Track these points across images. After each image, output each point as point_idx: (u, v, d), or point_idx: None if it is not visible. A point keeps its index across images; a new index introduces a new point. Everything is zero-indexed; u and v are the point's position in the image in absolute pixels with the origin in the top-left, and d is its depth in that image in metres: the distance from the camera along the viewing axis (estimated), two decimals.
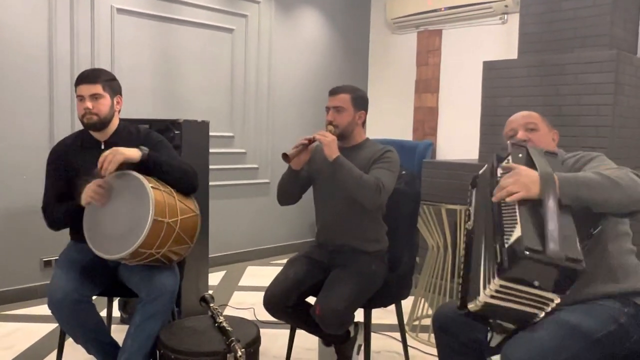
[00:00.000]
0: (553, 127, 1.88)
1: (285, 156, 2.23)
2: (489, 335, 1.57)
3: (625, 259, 1.61)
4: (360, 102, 2.43)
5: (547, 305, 1.41)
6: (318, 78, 5.09)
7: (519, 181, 1.42)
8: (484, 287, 1.44)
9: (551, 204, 1.36)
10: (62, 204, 2.21)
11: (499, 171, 1.57)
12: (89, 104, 2.15)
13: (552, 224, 1.32)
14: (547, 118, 1.89)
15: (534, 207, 1.40)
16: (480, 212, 1.67)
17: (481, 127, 3.90)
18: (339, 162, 2.20)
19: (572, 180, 1.41)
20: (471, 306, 1.50)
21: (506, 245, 1.36)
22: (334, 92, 2.41)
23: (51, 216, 2.23)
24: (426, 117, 5.11)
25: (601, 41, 3.47)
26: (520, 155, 1.58)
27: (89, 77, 2.19)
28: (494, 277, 1.39)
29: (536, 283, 1.35)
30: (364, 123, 2.48)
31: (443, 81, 4.99)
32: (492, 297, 1.43)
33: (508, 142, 1.69)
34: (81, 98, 2.17)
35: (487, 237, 1.51)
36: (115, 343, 2.23)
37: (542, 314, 1.44)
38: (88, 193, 2.05)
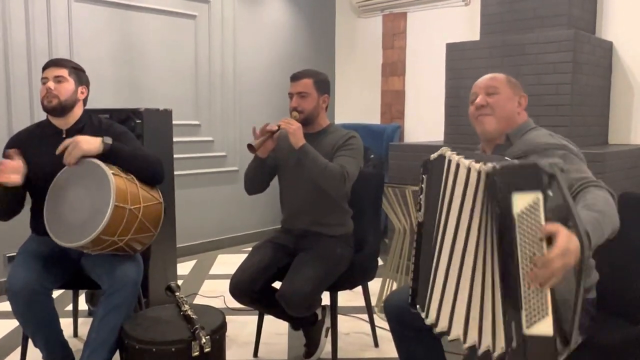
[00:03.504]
0: (522, 91, 1.77)
1: (250, 147, 2.22)
2: None
3: None
4: (323, 85, 2.41)
5: None
6: (284, 63, 5.06)
7: (568, 265, 1.17)
8: (465, 338, 1.34)
9: (582, 290, 1.23)
10: None
11: (520, 204, 1.22)
12: (51, 85, 2.16)
13: (576, 318, 1.23)
14: (516, 81, 1.78)
15: (564, 285, 1.22)
16: (433, 205, 1.50)
17: (446, 108, 3.94)
18: (304, 151, 2.20)
19: (596, 235, 1.27)
20: (427, 320, 1.46)
21: (525, 333, 1.20)
22: (295, 78, 2.39)
23: None
24: (393, 101, 5.13)
25: (560, 21, 3.53)
26: (560, 202, 1.23)
27: (56, 61, 2.23)
28: (494, 348, 1.28)
29: None
30: (327, 107, 2.47)
31: (409, 64, 5.01)
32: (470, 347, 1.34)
33: (533, 162, 1.29)
34: (45, 80, 2.18)
35: (490, 260, 1.30)
36: (65, 343, 2.21)
37: None
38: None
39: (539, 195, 1.22)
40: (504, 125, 1.72)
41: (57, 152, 2.05)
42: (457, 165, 1.40)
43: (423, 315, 1.50)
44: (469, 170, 1.35)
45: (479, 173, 1.31)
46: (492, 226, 1.28)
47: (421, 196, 1.60)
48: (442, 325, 1.41)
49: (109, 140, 2.11)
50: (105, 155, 2.09)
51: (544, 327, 1.20)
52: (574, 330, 1.25)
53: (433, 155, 1.57)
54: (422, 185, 1.60)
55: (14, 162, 2.06)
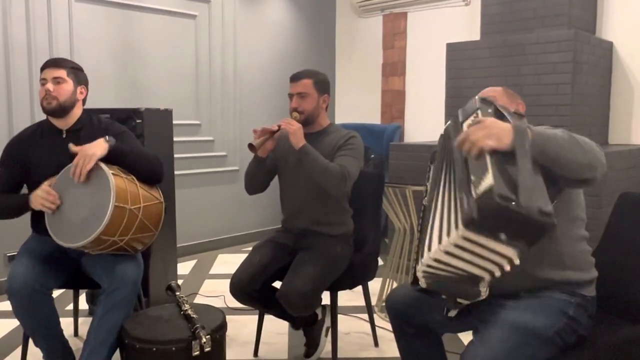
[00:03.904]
0: (519, 99, 1.84)
1: (251, 146, 2.22)
2: (445, 310, 1.60)
3: (575, 246, 1.59)
4: (323, 85, 2.41)
5: (500, 267, 1.34)
6: (284, 63, 5.06)
7: (491, 132, 1.32)
8: (440, 241, 1.37)
9: (524, 156, 1.29)
10: (6, 194, 2.19)
11: (466, 124, 1.46)
12: (50, 86, 2.14)
13: (525, 176, 1.26)
14: (514, 91, 1.86)
15: (505, 157, 1.31)
16: (437, 183, 1.58)
17: (446, 108, 3.94)
18: (304, 151, 2.20)
19: (544, 134, 1.35)
20: (418, 267, 1.46)
21: (474, 195, 1.26)
22: (295, 78, 2.39)
23: None
24: (394, 100, 5.13)
25: (560, 21, 3.53)
26: (489, 110, 1.45)
27: (54, 62, 2.21)
28: (457, 228, 1.31)
29: (502, 236, 1.26)
30: (327, 107, 2.47)
31: (409, 64, 5.01)
32: (447, 252, 1.35)
33: (475, 97, 1.56)
34: (44, 81, 2.17)
35: (449, 191, 1.43)
36: (64, 342, 2.22)
37: (486, 287, 1.43)
38: (39, 201, 2.03)
39: (477, 112, 1.46)
40: None
41: (72, 174, 2.02)
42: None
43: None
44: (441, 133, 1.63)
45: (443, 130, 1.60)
46: (453, 164, 1.46)
47: (427, 184, 1.69)
48: (426, 258, 1.43)
49: (112, 139, 2.11)
50: (109, 154, 2.09)
51: (486, 182, 1.25)
52: (529, 182, 1.26)
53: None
54: (429, 174, 1.70)
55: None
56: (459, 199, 1.33)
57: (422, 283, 1.51)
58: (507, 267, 1.32)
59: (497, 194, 1.21)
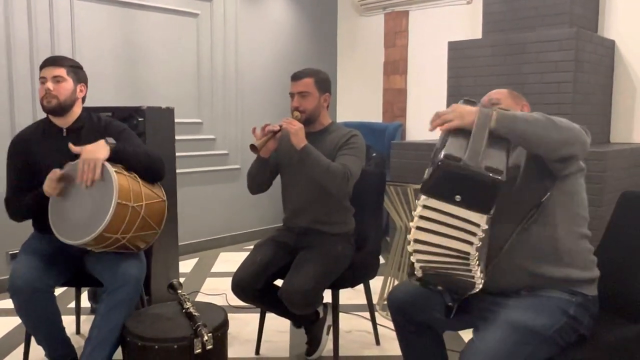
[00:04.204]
0: (524, 101, 1.86)
1: (253, 147, 2.21)
2: (445, 307, 1.60)
3: (576, 244, 1.59)
4: (324, 84, 2.41)
5: (473, 234, 1.37)
6: (286, 62, 5.06)
7: (455, 111, 1.48)
8: (412, 220, 1.45)
9: (481, 131, 1.39)
10: (25, 195, 2.18)
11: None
12: (49, 85, 2.14)
13: (476, 144, 1.36)
14: (516, 90, 1.88)
15: (464, 134, 1.43)
16: None
17: (447, 107, 3.94)
18: (306, 151, 2.20)
19: (511, 114, 1.46)
20: (411, 256, 1.48)
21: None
22: (296, 77, 2.38)
23: (14, 208, 2.21)
24: (395, 99, 5.13)
25: (561, 19, 3.53)
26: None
27: (54, 60, 2.20)
28: (418, 199, 1.40)
29: (457, 198, 1.32)
30: (328, 106, 2.47)
31: (411, 62, 5.01)
32: (419, 228, 1.41)
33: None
34: (43, 80, 2.16)
35: None
36: (67, 341, 2.23)
37: (481, 278, 1.44)
38: (51, 186, 2.05)
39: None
40: None
41: (81, 179, 2.01)
42: None
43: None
44: None
45: None
46: None
47: None
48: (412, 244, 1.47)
49: (112, 140, 2.11)
50: (110, 156, 2.09)
51: (442, 153, 1.36)
52: (481, 149, 1.36)
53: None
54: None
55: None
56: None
57: (418, 272, 1.52)
58: (480, 234, 1.37)
59: (444, 155, 1.33)
